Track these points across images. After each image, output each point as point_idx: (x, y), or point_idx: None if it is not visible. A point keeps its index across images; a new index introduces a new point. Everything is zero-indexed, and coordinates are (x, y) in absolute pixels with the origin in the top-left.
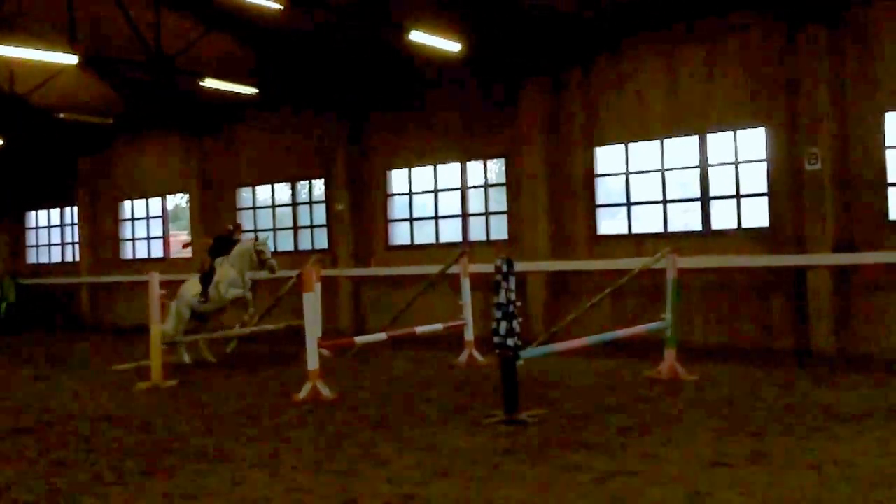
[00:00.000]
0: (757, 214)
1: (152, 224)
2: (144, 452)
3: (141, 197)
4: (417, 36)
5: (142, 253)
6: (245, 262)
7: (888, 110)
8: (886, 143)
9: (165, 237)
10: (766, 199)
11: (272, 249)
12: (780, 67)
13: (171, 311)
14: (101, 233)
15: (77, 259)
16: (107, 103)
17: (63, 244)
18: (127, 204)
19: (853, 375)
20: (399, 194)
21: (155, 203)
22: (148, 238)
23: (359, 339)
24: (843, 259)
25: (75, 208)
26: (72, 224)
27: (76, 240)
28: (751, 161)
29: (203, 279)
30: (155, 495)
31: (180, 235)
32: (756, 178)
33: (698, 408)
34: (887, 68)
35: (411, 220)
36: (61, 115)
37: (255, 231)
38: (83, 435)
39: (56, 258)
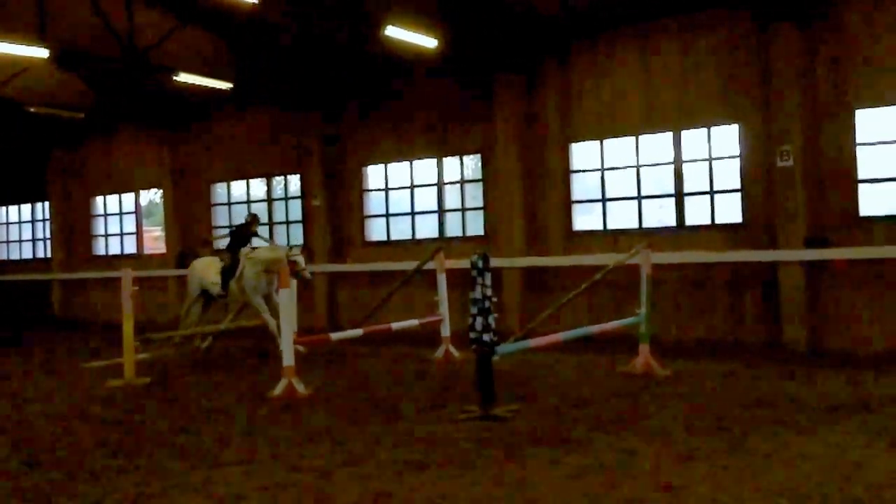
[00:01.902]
0: (730, 210)
1: (125, 220)
2: (117, 450)
3: (114, 192)
4: (393, 31)
5: (115, 249)
6: (275, 269)
7: (858, 108)
8: (857, 140)
9: (139, 233)
10: (739, 195)
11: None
12: (753, 65)
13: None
14: (73, 229)
15: (49, 255)
16: (79, 98)
17: (34, 240)
18: (99, 199)
19: (824, 369)
20: (375, 190)
21: (128, 198)
22: (121, 234)
23: (334, 336)
24: (814, 255)
25: (47, 204)
26: (43, 220)
27: (48, 236)
28: (724, 158)
29: (225, 272)
30: (127, 492)
31: (154, 231)
32: (729, 174)
33: (672, 402)
34: (857, 66)
35: (387, 216)
36: (32, 110)
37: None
38: (55, 433)
39: (27, 254)
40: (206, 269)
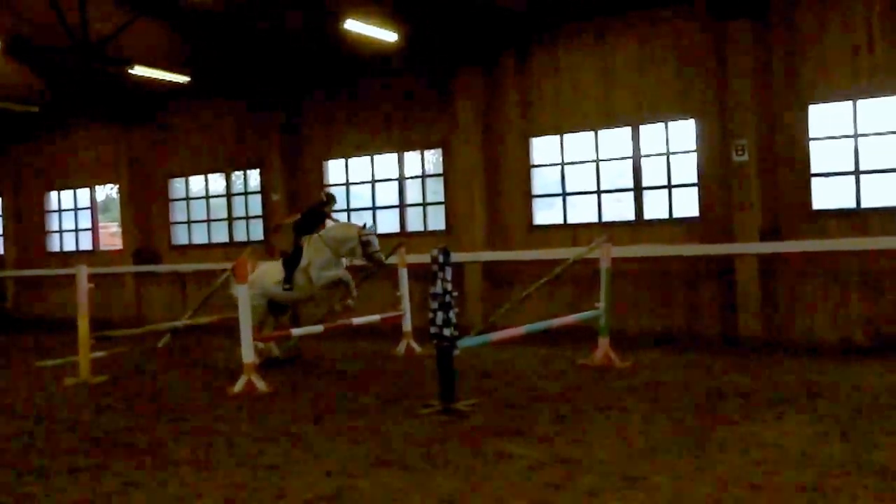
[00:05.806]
0: (687, 204)
1: (81, 215)
2: (71, 449)
3: (69, 187)
4: (353, 25)
5: (70, 245)
6: (344, 250)
7: (811, 103)
8: (810, 135)
9: (94, 229)
10: (696, 189)
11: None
12: (709, 60)
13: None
14: (26, 225)
15: (2, 252)
16: (32, 90)
17: None
18: (54, 195)
19: (778, 360)
20: (336, 185)
21: (83, 194)
22: (76, 230)
23: (295, 331)
24: (769, 248)
25: None
26: None
27: (0, 232)
28: (681, 152)
29: (287, 263)
30: (82, 493)
31: (110, 227)
32: (686, 168)
33: (630, 394)
34: (810, 62)
35: (348, 210)
36: None
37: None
38: (7, 433)
39: None
40: (264, 275)
